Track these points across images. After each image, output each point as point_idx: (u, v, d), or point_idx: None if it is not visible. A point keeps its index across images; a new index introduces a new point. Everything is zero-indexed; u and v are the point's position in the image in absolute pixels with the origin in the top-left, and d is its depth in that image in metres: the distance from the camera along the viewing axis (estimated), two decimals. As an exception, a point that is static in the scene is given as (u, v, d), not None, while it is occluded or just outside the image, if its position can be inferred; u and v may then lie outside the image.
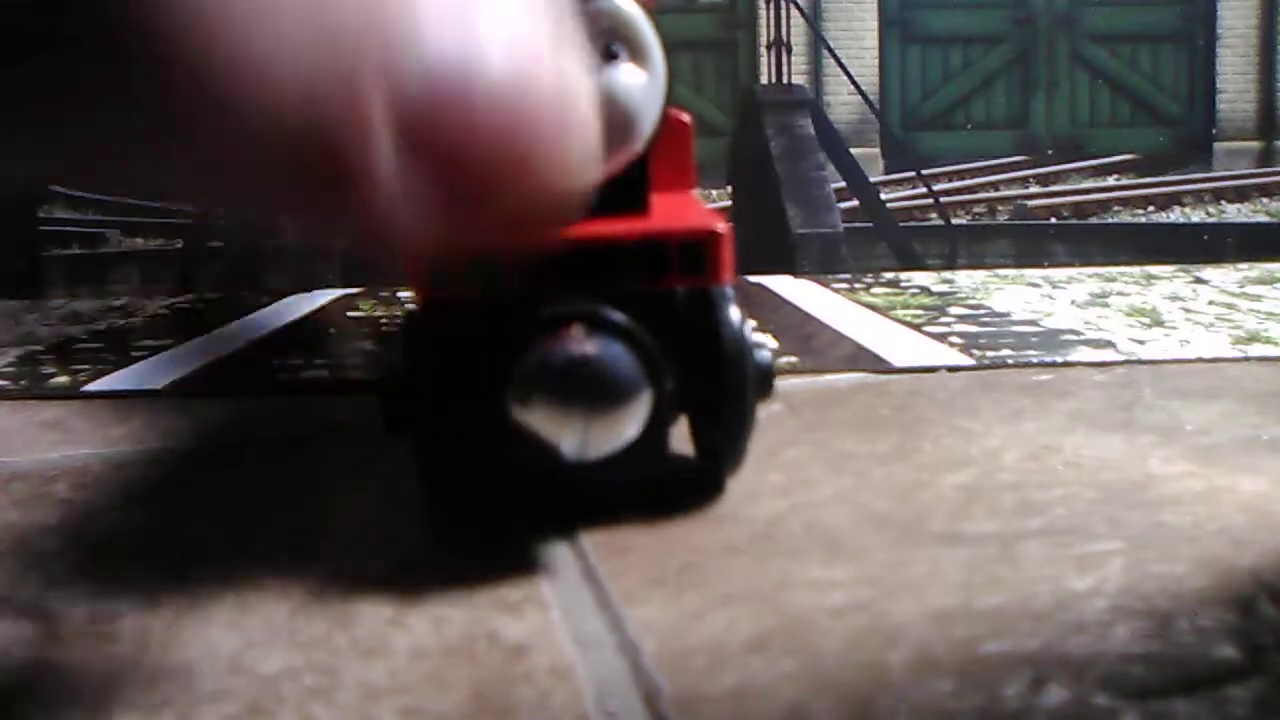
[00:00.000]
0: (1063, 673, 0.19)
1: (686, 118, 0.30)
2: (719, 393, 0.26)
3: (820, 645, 0.20)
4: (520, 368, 0.24)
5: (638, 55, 0.25)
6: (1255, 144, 7.38)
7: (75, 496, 0.31)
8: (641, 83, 0.25)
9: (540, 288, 0.25)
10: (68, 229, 4.89)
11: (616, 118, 0.25)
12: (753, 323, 0.29)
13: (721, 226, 0.26)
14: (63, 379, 0.45)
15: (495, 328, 0.24)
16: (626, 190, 0.26)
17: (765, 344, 0.27)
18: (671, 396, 0.25)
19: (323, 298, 0.65)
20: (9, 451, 0.36)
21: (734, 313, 0.27)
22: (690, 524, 0.27)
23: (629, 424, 0.24)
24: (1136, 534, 0.25)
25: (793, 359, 0.44)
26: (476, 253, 0.23)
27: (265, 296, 0.65)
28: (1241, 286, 0.60)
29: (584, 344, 0.24)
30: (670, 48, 0.26)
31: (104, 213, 5.16)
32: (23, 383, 0.45)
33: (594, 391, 0.23)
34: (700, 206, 0.28)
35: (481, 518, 0.27)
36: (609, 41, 0.25)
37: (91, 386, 0.43)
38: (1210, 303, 0.56)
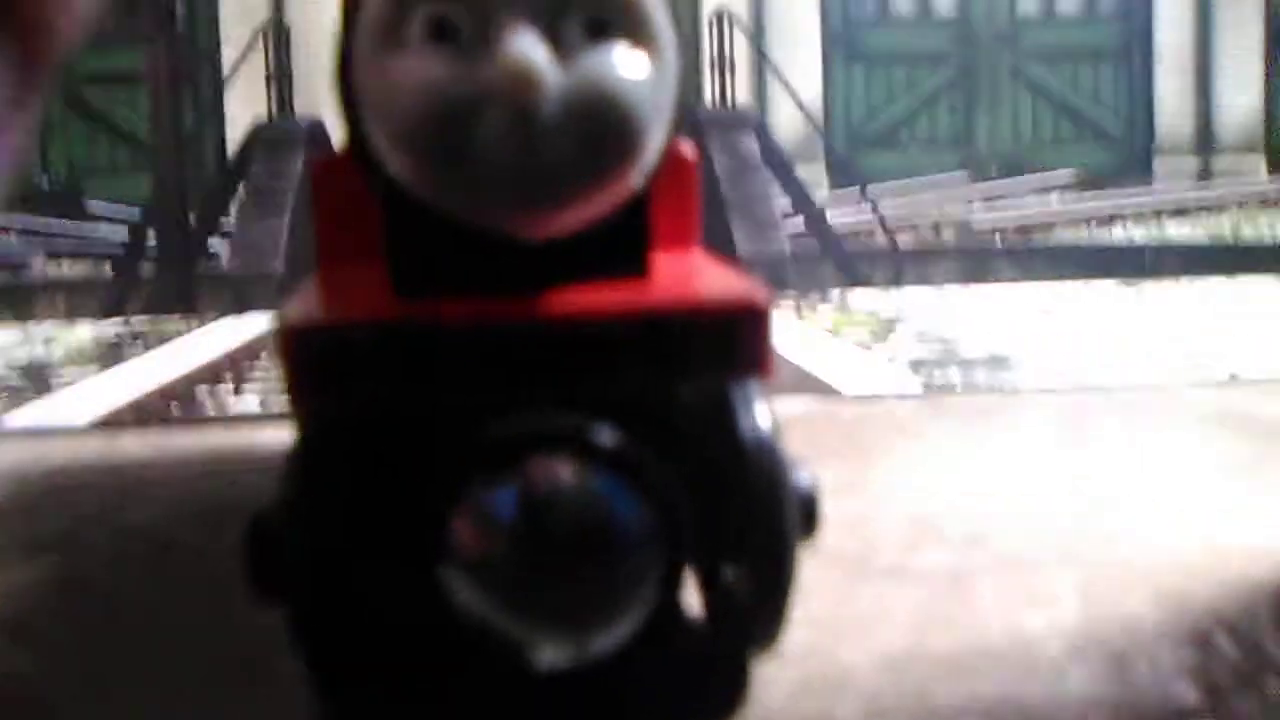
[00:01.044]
0: (1019, 722, 0.18)
1: (691, 150, 0.21)
2: (749, 538, 0.18)
3: (766, 696, 0.20)
4: (462, 518, 0.16)
5: (637, 32, 0.16)
6: (1194, 159, 7.55)
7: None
8: (644, 75, 0.16)
9: (491, 389, 0.16)
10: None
11: (607, 126, 0.16)
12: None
13: (762, 297, 0.18)
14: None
15: (423, 452, 0.16)
16: (620, 245, 0.17)
17: (800, 461, 0.19)
18: (687, 550, 0.17)
19: (256, 324, 0.63)
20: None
21: (766, 420, 0.19)
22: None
23: (631, 606, 0.16)
24: (1090, 566, 0.25)
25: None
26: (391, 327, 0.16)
27: (196, 322, 0.64)
28: (1189, 307, 0.61)
29: (561, 481, 0.16)
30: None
31: (28, 240, 5.05)
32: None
33: (579, 558, 0.16)
34: (719, 270, 0.20)
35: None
36: (595, 9, 0.16)
37: (8, 422, 0.41)
38: (1158, 324, 0.56)
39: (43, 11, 0.17)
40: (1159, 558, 0.25)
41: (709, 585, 0.18)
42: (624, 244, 0.18)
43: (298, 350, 0.16)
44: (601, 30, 0.16)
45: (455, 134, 0.15)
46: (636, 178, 0.17)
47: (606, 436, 0.16)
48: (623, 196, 0.17)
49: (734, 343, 0.17)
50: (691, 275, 0.20)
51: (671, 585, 0.17)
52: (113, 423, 0.35)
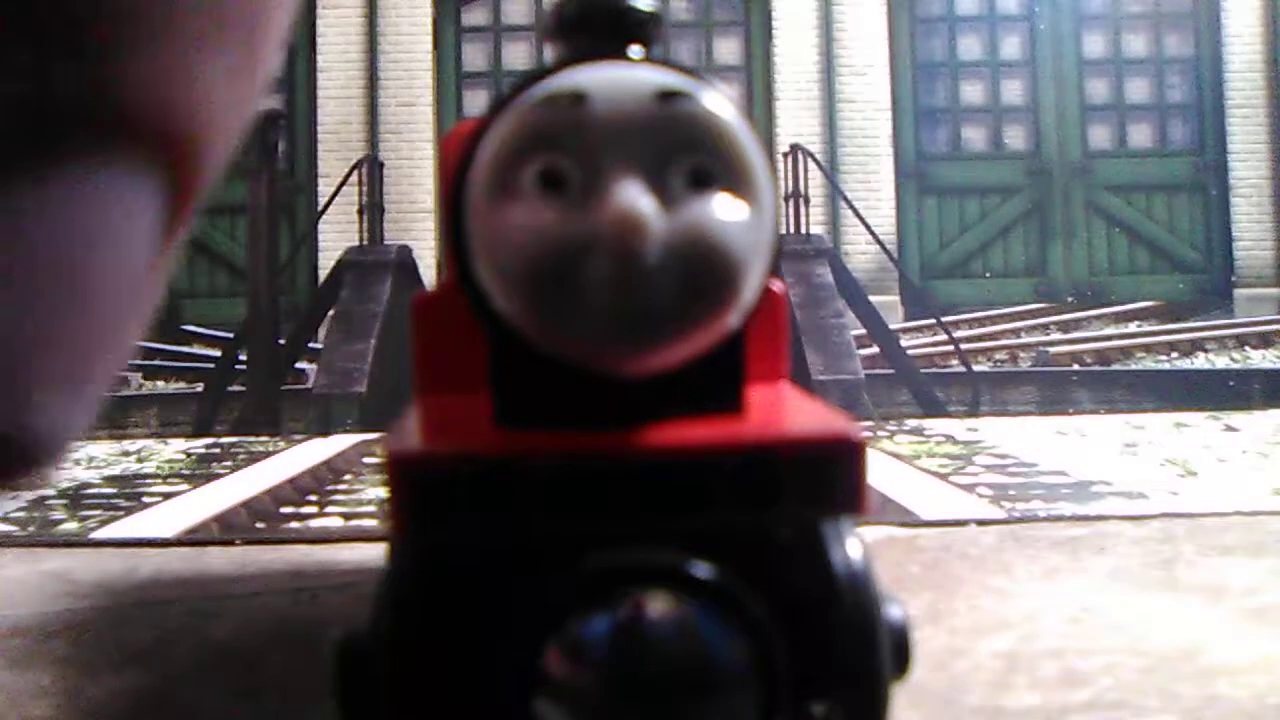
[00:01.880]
0: None
1: (780, 286, 0.22)
2: (842, 675, 0.18)
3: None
4: (557, 650, 0.15)
5: (738, 182, 0.17)
6: (1275, 290, 7.41)
7: (73, 654, 0.30)
8: (743, 220, 0.17)
9: (588, 522, 0.16)
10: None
11: (708, 271, 0.16)
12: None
13: (856, 432, 0.18)
14: (72, 525, 0.44)
15: (520, 583, 0.16)
16: (716, 380, 0.17)
17: (892, 596, 0.19)
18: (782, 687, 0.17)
19: (340, 443, 0.64)
20: (10, 603, 0.34)
21: (859, 555, 0.19)
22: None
23: None
24: (1192, 708, 0.24)
25: (817, 511, 0.43)
26: (489, 461, 0.16)
27: (283, 441, 0.65)
28: (1275, 434, 0.59)
29: (656, 614, 0.15)
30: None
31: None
32: (30, 529, 0.44)
33: (673, 693, 0.15)
34: (812, 404, 0.21)
35: None
36: (698, 160, 0.17)
37: (100, 534, 0.42)
38: (1244, 452, 0.55)
39: (197, 144, 0.18)
40: (1266, 700, 0.24)
41: None
42: (720, 380, 0.18)
43: (401, 478, 0.17)
44: (704, 180, 0.17)
45: (565, 277, 0.16)
46: (735, 318, 0.17)
47: (702, 571, 0.16)
48: (721, 335, 0.17)
49: (829, 478, 0.18)
50: (785, 409, 0.20)
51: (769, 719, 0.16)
52: (200, 537, 0.36)
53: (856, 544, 0.19)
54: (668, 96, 0.16)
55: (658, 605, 0.15)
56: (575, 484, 0.16)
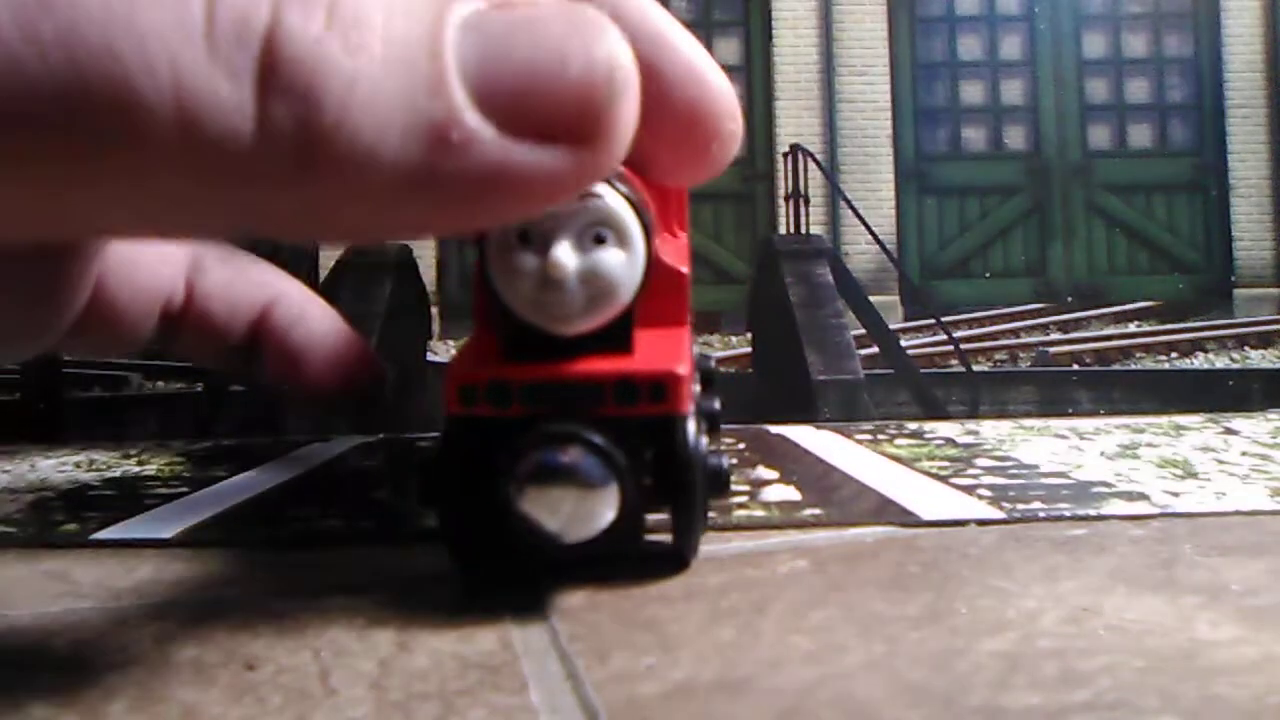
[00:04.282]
0: None
1: (685, 269, 0.36)
2: (678, 492, 0.33)
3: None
4: (519, 469, 0.30)
5: (621, 240, 0.31)
6: (1275, 290, 7.42)
7: (73, 654, 0.30)
8: (622, 261, 0.31)
9: (539, 411, 0.31)
10: (90, 372, 4.96)
11: (603, 288, 0.31)
12: (707, 440, 0.34)
13: (682, 368, 0.32)
14: (72, 526, 0.44)
15: (504, 438, 0.31)
16: (615, 337, 0.32)
17: (723, 454, 0.34)
18: (639, 495, 0.32)
19: (340, 446, 0.64)
20: (10, 604, 0.34)
21: (691, 431, 0.33)
22: (713, 693, 0.26)
23: (600, 514, 0.30)
24: (1191, 708, 0.24)
25: (816, 511, 0.43)
26: (495, 381, 0.32)
27: (283, 443, 0.65)
28: (1274, 436, 0.59)
29: (567, 454, 0.30)
30: (691, 198, 0.39)
31: (126, 356, 5.24)
32: (30, 529, 0.44)
33: (571, 488, 0.30)
34: (678, 347, 0.34)
35: (492, 576, 0.35)
36: (599, 229, 0.31)
37: (100, 535, 0.42)
38: (1243, 453, 0.55)
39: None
40: (1266, 701, 0.24)
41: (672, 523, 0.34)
42: (619, 336, 0.32)
43: (451, 384, 0.32)
44: (601, 240, 0.31)
45: (532, 291, 0.31)
46: (618, 308, 0.32)
47: (592, 436, 0.31)
48: (613, 316, 0.32)
49: (664, 392, 0.32)
50: (655, 353, 0.33)
51: (625, 509, 0.30)
52: (200, 537, 0.36)
53: (693, 427, 0.32)
54: (585, 195, 0.30)
55: (570, 449, 0.30)
56: (535, 390, 0.32)
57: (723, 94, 0.31)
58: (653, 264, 0.32)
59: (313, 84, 0.20)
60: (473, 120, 0.21)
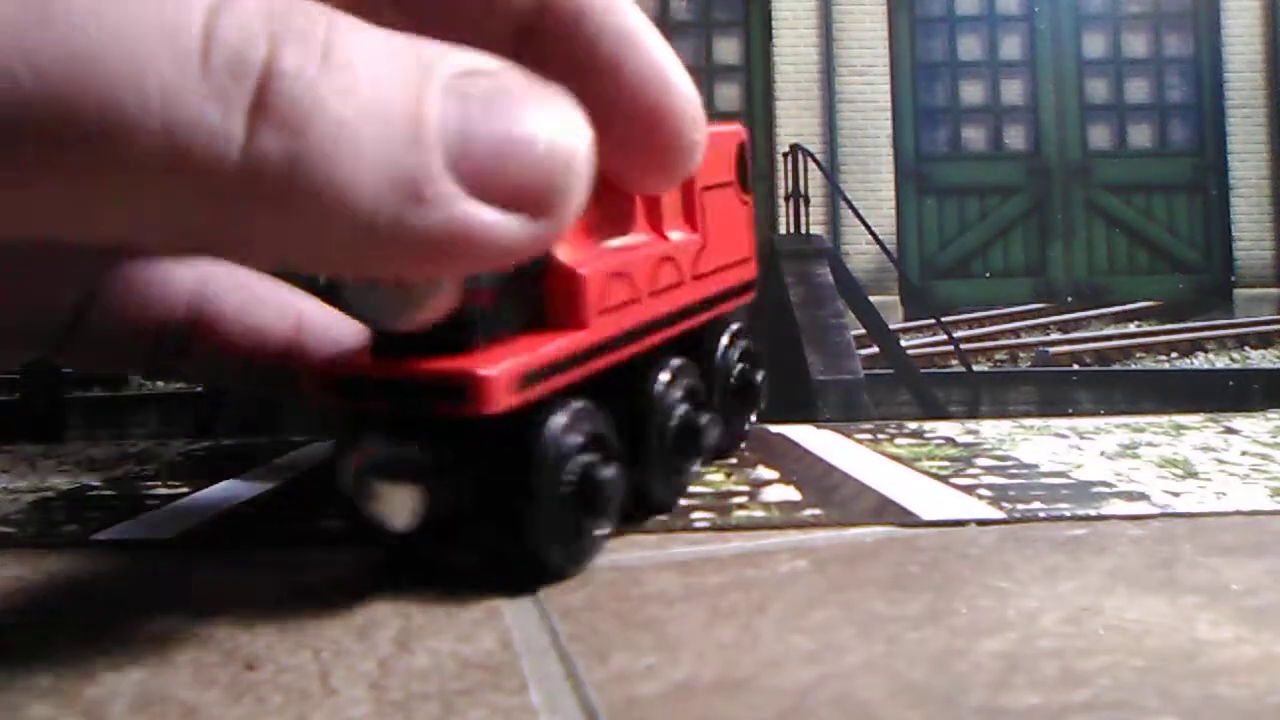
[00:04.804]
0: None
1: (584, 271, 0.35)
2: (518, 487, 0.34)
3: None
4: (350, 462, 0.32)
5: None
6: (1275, 290, 7.42)
7: (73, 654, 0.30)
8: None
9: (369, 405, 0.33)
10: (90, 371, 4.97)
11: (415, 289, 0.31)
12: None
13: (493, 370, 0.31)
14: (72, 526, 0.44)
15: (359, 426, 0.33)
16: (453, 337, 0.32)
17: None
18: (448, 491, 0.33)
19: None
20: (10, 604, 0.35)
21: (554, 428, 0.33)
22: (713, 693, 0.26)
23: (403, 507, 0.32)
24: (1191, 708, 0.24)
25: (816, 511, 0.43)
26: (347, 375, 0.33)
27: (283, 443, 0.65)
28: (1274, 436, 0.59)
29: (379, 452, 0.32)
30: None
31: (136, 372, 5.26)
32: (30, 529, 0.44)
33: (377, 481, 0.32)
34: (533, 349, 0.33)
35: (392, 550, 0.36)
36: None
37: (100, 535, 0.42)
38: (1243, 453, 0.55)
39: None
40: (1265, 700, 0.24)
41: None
42: (456, 336, 0.32)
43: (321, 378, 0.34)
44: None
45: (353, 289, 0.31)
46: (437, 309, 0.30)
47: (409, 433, 0.32)
48: (435, 317, 0.30)
49: (463, 394, 0.31)
50: (494, 354, 0.32)
51: (435, 505, 0.32)
52: (200, 537, 0.36)
53: (558, 422, 0.33)
54: None
55: (383, 443, 0.32)
56: (352, 384, 0.33)
57: (686, 101, 0.31)
58: (524, 267, 0.29)
59: (303, 123, 0.21)
60: (445, 180, 0.22)
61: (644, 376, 0.38)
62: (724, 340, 0.46)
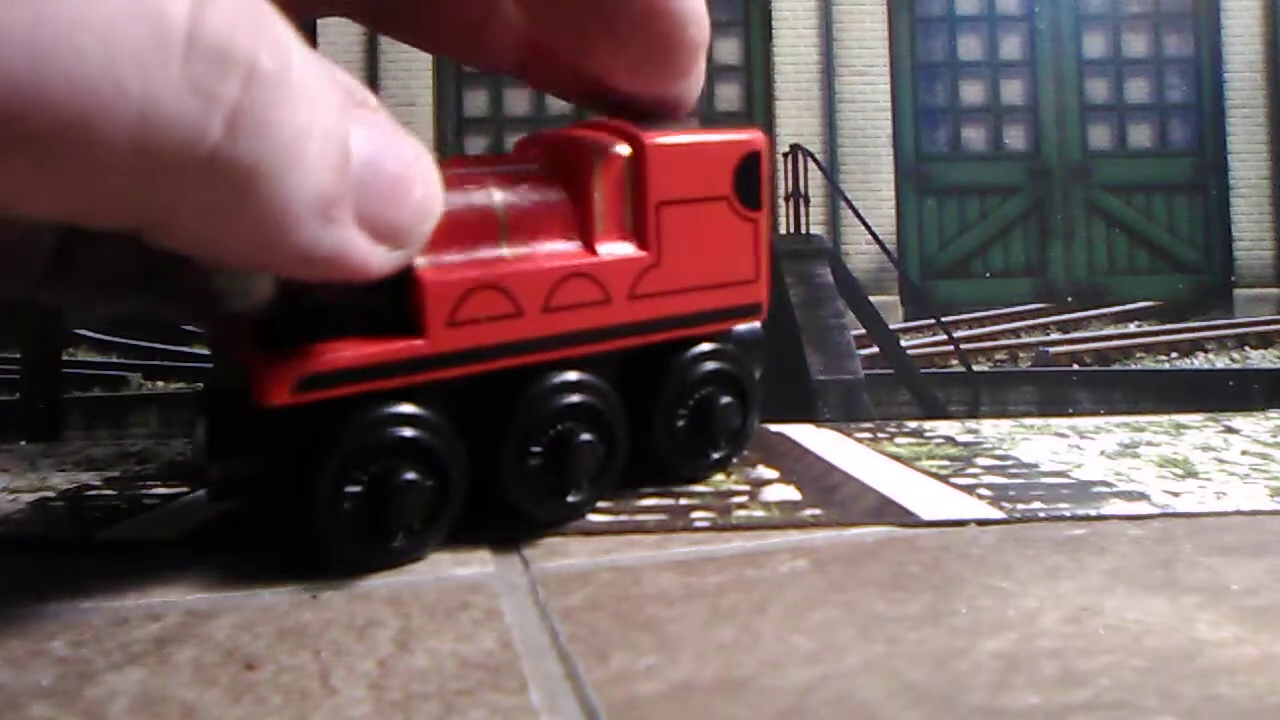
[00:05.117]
0: None
1: (429, 281, 0.35)
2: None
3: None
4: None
5: None
6: (1275, 290, 7.41)
7: (72, 654, 0.30)
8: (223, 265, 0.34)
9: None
10: (90, 371, 4.96)
11: (223, 285, 0.33)
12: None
13: (264, 367, 0.33)
14: (72, 526, 0.44)
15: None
16: (268, 330, 0.34)
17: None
18: (238, 467, 0.36)
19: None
20: (10, 604, 0.35)
21: (372, 422, 0.35)
22: (713, 693, 0.26)
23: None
24: (1191, 708, 0.24)
25: (816, 511, 0.43)
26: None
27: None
28: (1275, 436, 0.59)
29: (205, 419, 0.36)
30: None
31: (127, 356, 5.24)
32: (30, 529, 0.44)
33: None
34: (331, 352, 0.34)
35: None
36: None
37: (100, 535, 0.42)
38: (1244, 453, 0.55)
39: None
40: (1265, 700, 0.24)
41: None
42: (267, 330, 0.33)
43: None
44: None
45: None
46: (238, 308, 0.33)
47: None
48: (240, 313, 0.33)
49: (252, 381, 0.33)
50: (295, 354, 0.33)
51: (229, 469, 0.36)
52: (200, 537, 0.36)
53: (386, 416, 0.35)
54: None
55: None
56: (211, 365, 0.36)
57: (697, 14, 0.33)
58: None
59: (271, 130, 0.22)
60: (348, 208, 0.26)
61: (519, 392, 0.37)
62: (683, 362, 0.42)
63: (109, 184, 0.22)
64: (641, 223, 0.39)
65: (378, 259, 0.27)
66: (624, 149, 0.38)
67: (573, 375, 0.38)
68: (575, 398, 0.38)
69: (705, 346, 0.43)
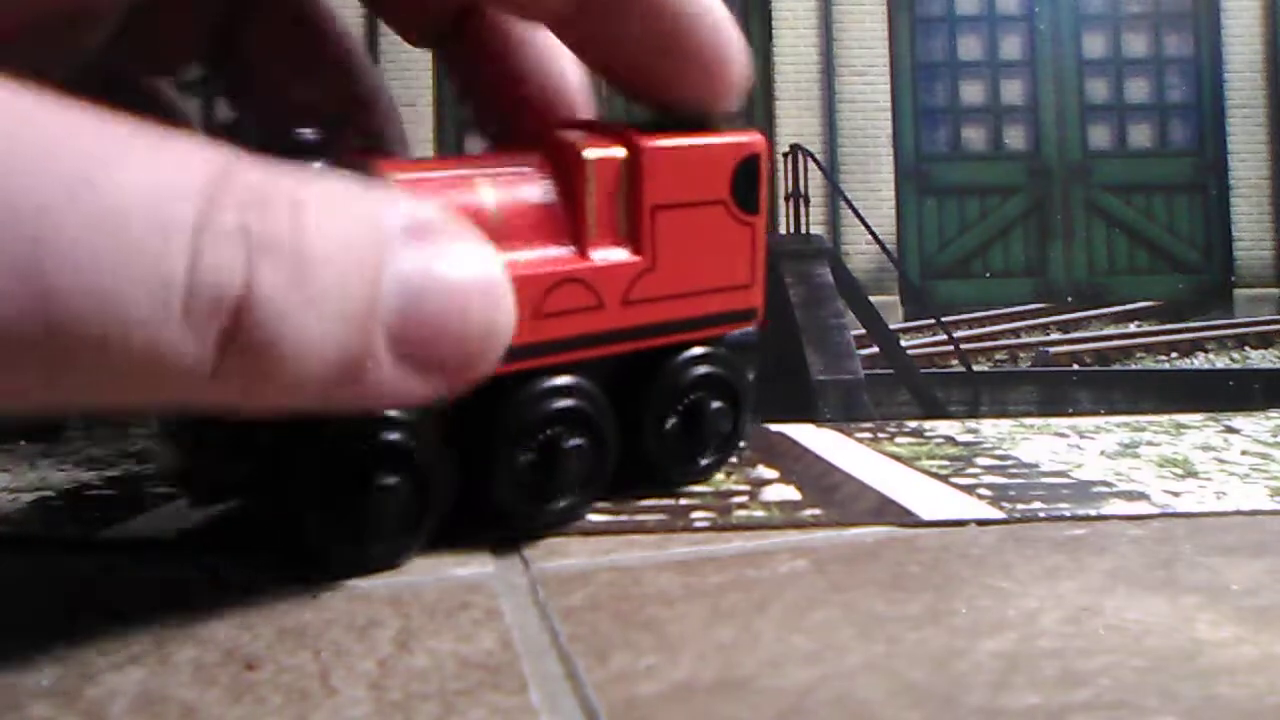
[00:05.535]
0: None
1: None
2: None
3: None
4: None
5: None
6: (1275, 290, 7.41)
7: (72, 654, 0.30)
8: None
9: None
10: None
11: None
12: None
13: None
14: (72, 526, 0.44)
15: None
16: None
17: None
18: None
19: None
20: (10, 604, 0.35)
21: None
22: (713, 693, 0.26)
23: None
24: (1191, 708, 0.24)
25: (816, 511, 0.43)
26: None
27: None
28: (1275, 436, 0.59)
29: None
30: None
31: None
32: (30, 529, 0.44)
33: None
34: None
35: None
36: None
37: (101, 535, 0.42)
38: (1244, 453, 0.55)
39: None
40: (1265, 700, 0.24)
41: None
42: None
43: None
44: None
45: None
46: None
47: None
48: None
49: None
50: None
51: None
52: (202, 537, 0.36)
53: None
54: None
55: None
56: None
57: (734, 45, 0.36)
58: None
59: (272, 342, 0.24)
60: (384, 359, 0.26)
61: (507, 399, 0.37)
62: (673, 366, 0.41)
63: (117, 390, 0.23)
64: (636, 227, 0.38)
65: (422, 389, 0.27)
66: (619, 151, 0.38)
67: (562, 380, 0.38)
68: (565, 403, 0.38)
69: (697, 350, 0.42)
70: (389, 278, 0.25)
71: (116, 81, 0.39)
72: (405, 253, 0.26)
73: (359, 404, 0.27)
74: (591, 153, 0.38)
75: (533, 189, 0.37)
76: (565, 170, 0.38)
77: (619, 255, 0.38)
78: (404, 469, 0.35)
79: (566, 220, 0.37)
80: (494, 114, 0.43)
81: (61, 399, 0.23)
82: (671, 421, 0.42)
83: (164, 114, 0.40)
